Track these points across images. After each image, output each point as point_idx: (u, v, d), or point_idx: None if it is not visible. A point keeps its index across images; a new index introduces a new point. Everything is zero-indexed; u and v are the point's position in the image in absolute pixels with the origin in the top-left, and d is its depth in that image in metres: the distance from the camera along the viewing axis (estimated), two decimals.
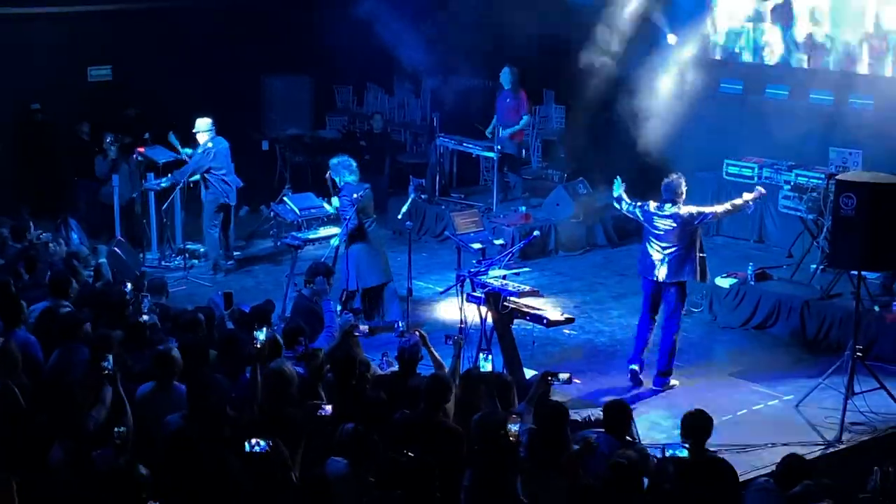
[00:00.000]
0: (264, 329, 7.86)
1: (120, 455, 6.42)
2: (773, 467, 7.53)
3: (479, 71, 17.44)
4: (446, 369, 8.44)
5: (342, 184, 11.80)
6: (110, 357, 7.23)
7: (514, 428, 6.82)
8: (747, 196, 10.70)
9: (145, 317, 8.79)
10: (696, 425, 7.31)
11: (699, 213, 10.46)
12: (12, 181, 15.68)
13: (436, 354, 8.65)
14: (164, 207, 14.14)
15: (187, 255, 14.01)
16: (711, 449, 7.59)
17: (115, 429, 6.54)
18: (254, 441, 6.29)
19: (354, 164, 11.95)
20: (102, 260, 11.68)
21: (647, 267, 10.56)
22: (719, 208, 10.74)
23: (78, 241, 13.33)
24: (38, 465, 6.58)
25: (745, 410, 10.03)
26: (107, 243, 13.22)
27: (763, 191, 10.87)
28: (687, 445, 7.07)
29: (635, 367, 10.67)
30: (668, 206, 10.42)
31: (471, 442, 7.12)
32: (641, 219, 10.61)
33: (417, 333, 8.67)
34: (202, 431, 6.69)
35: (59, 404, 6.95)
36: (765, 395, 10.45)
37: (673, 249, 10.41)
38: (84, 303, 9.42)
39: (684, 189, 10.52)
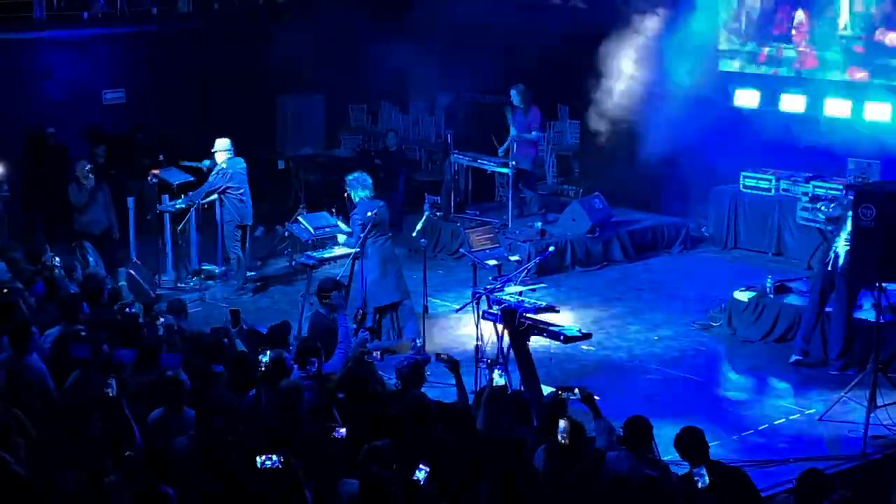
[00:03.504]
0: (268, 351, 7.82)
1: (131, 478, 6.36)
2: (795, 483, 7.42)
3: (493, 87, 17.40)
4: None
5: (356, 199, 11.77)
6: (113, 382, 7.17)
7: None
8: None
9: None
10: (689, 444, 7.18)
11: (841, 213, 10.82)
12: (26, 205, 15.68)
13: (461, 382, 8.46)
14: (179, 229, 14.14)
15: (203, 276, 14.00)
16: (734, 465, 7.50)
17: (126, 452, 6.49)
18: (265, 456, 6.23)
19: (370, 180, 11.92)
20: (122, 283, 11.62)
21: None
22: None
23: (94, 263, 13.33)
24: (48, 494, 6.52)
25: (766, 425, 9.92)
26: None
27: None
28: (703, 472, 6.90)
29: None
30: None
31: (487, 457, 7.02)
32: None
33: (446, 357, 8.52)
34: (209, 452, 6.61)
35: (72, 431, 6.90)
36: (786, 409, 10.34)
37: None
38: (99, 326, 9.37)
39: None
